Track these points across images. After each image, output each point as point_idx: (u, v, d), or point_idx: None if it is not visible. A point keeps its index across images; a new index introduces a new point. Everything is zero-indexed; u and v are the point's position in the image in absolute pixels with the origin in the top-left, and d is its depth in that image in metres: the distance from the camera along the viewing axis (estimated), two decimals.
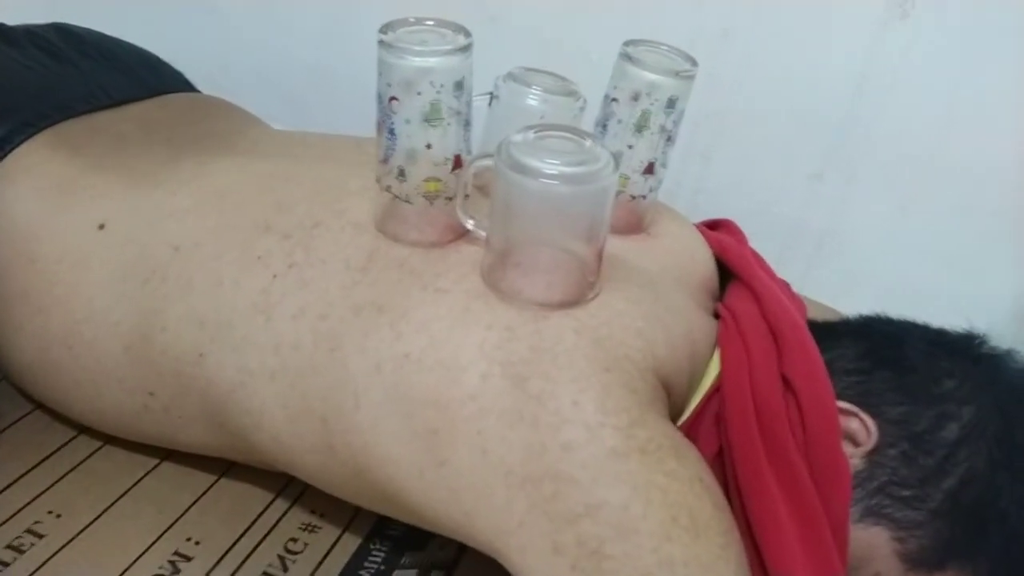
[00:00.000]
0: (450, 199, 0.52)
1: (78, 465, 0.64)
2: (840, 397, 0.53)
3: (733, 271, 0.63)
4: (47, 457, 0.65)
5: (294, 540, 0.61)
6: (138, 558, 0.58)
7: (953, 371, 0.55)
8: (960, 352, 0.57)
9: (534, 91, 0.56)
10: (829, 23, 0.82)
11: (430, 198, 0.51)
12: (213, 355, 0.54)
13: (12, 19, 0.75)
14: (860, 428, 0.53)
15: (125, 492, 0.63)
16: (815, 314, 0.63)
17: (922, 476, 0.52)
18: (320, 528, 0.62)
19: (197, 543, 0.59)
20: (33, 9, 0.80)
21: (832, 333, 0.59)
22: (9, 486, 0.61)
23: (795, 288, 0.68)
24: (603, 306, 0.50)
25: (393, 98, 0.48)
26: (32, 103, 0.66)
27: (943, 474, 0.52)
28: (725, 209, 0.75)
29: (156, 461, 0.66)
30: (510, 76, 0.58)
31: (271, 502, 0.64)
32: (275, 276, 0.53)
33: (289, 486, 0.65)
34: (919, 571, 0.52)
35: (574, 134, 0.48)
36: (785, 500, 0.50)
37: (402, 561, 0.61)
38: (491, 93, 0.58)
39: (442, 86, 0.48)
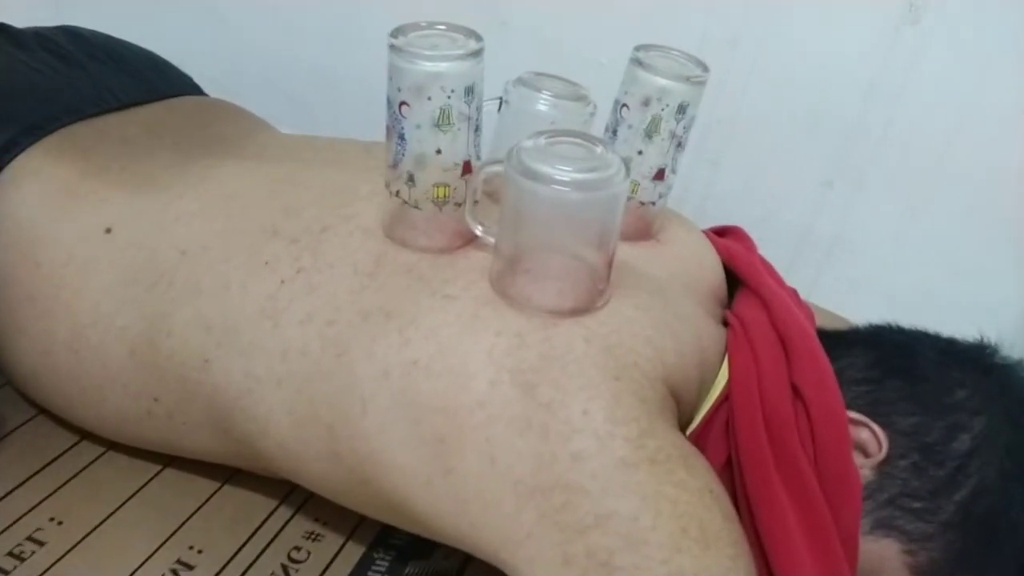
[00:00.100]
0: (459, 205, 0.52)
1: (80, 471, 0.64)
2: (850, 407, 0.53)
3: (741, 278, 0.63)
4: (49, 463, 0.64)
5: (297, 549, 0.61)
6: (140, 566, 0.57)
7: (964, 381, 0.55)
8: (971, 362, 0.56)
9: (544, 96, 0.56)
10: (839, 29, 0.82)
11: (439, 203, 0.51)
12: (219, 360, 0.54)
13: (19, 21, 0.75)
14: (871, 438, 0.53)
15: (127, 499, 0.62)
16: (824, 322, 0.62)
17: (933, 488, 0.52)
18: (324, 536, 0.62)
19: (200, 551, 0.59)
20: (40, 12, 0.79)
21: (842, 342, 0.59)
22: (10, 492, 0.61)
23: (804, 294, 0.68)
24: (613, 313, 0.49)
25: (403, 103, 0.48)
26: (40, 106, 0.66)
27: (954, 486, 0.52)
28: (734, 215, 0.75)
29: (159, 468, 0.65)
30: (520, 81, 0.57)
31: (274, 510, 0.63)
32: (283, 281, 0.53)
33: (293, 493, 0.64)
34: None
35: (585, 140, 0.47)
36: (794, 510, 0.49)
37: (406, 571, 0.60)
38: (501, 98, 0.58)
39: (453, 91, 0.47)
